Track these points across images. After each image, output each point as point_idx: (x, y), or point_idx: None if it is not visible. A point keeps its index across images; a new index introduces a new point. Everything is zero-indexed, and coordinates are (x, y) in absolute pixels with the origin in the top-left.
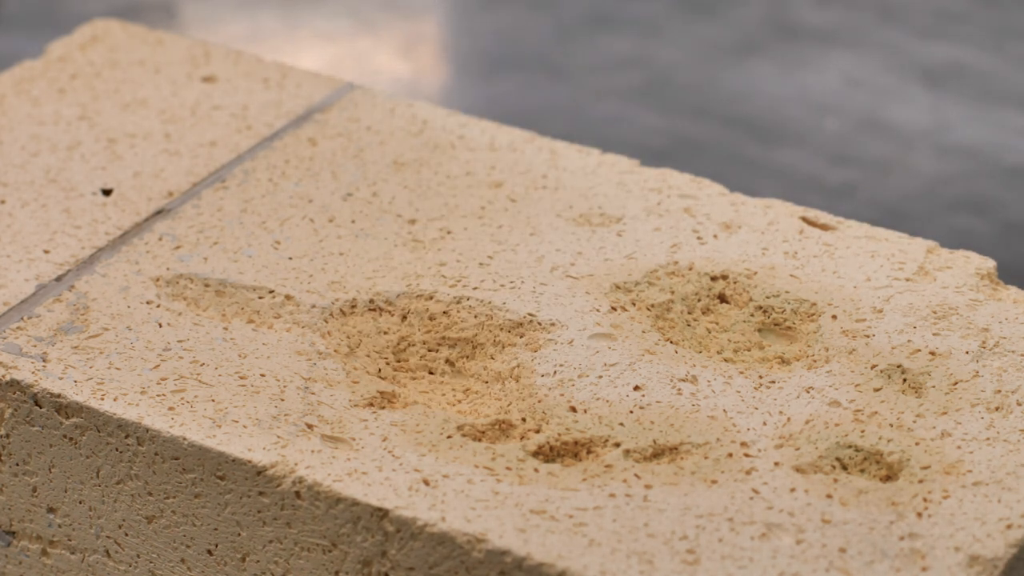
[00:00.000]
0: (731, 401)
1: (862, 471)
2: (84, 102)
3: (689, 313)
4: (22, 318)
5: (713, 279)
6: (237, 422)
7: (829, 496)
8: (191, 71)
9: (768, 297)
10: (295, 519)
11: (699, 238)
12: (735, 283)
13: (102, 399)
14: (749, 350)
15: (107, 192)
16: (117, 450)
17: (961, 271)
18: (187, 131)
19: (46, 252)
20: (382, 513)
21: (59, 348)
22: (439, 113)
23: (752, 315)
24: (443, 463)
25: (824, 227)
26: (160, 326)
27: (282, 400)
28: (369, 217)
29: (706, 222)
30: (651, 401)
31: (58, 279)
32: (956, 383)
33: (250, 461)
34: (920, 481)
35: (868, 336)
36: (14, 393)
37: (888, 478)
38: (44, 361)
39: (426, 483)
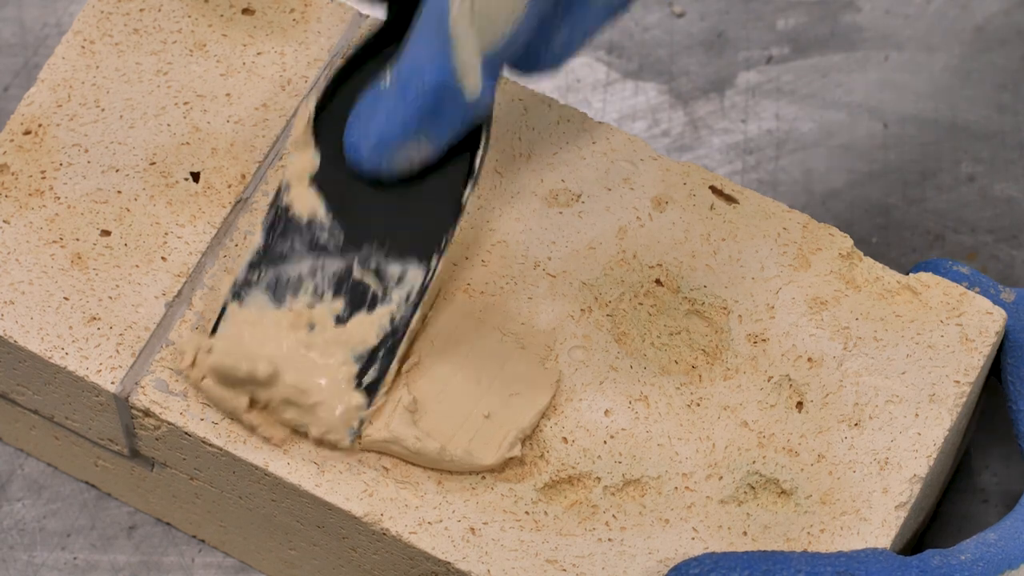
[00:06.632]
0: (672, 426)
1: (768, 502)
2: (156, 49)
3: (635, 297)
4: (162, 346)
5: (651, 267)
6: (334, 467)
7: (745, 533)
8: (233, 1)
9: (692, 289)
10: (380, 549)
11: (638, 219)
12: (667, 271)
13: (235, 443)
14: (679, 333)
15: (196, 177)
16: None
17: (828, 253)
18: (242, 88)
19: (164, 260)
20: (444, 566)
21: None
22: None
23: (680, 304)
24: (480, 509)
25: (729, 199)
26: None
27: None
28: None
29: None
30: (617, 429)
31: (178, 294)
32: (827, 395)
33: (349, 511)
34: (805, 513)
35: (765, 340)
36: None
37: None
38: (186, 399)
39: (472, 532)
